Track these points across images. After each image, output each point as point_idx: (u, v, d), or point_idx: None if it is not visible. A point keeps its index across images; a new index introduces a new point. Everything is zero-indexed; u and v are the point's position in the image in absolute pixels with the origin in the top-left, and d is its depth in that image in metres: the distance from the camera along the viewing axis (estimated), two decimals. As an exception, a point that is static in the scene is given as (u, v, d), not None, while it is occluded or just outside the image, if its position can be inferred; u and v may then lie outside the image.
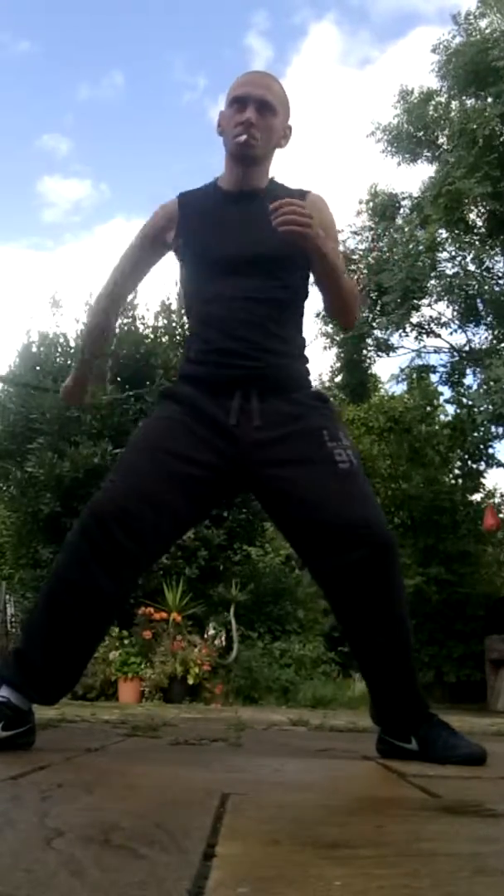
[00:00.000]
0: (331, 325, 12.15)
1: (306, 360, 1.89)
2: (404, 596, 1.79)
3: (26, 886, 0.60)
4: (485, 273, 10.72)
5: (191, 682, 6.54)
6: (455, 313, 11.85)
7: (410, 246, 10.50)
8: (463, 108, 10.65)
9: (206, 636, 7.59)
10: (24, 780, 1.24)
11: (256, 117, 1.81)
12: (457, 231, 10.76)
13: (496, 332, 10.83)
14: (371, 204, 12.12)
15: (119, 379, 7.93)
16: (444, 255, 10.96)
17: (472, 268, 10.68)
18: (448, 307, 11.84)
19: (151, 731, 2.45)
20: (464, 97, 11.04)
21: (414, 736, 1.74)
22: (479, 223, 11.35)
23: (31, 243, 36.87)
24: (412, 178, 18.48)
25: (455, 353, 12.63)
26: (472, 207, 10.56)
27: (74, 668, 1.76)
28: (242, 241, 1.81)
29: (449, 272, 11.07)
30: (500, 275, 11.28)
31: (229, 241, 1.82)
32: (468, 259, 10.64)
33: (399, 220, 11.90)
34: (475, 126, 9.89)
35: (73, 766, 1.49)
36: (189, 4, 29.78)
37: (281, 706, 7.33)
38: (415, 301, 11.03)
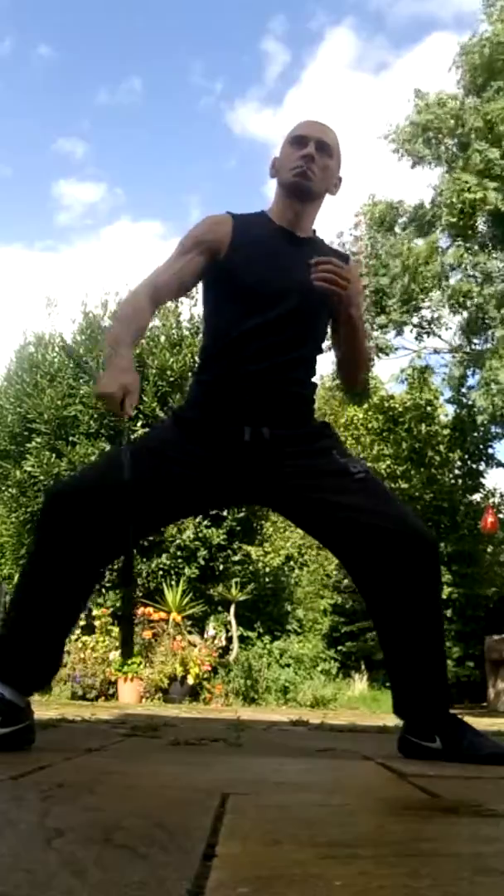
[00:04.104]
0: (329, 326, 12.18)
1: (314, 403, 1.96)
2: (441, 593, 1.87)
3: (26, 886, 0.60)
4: (491, 276, 10.69)
5: (191, 682, 6.54)
6: (461, 319, 11.83)
7: (413, 256, 10.50)
8: (483, 105, 10.57)
9: (205, 636, 7.58)
10: (24, 780, 1.24)
11: (316, 155, 1.86)
12: (464, 237, 10.73)
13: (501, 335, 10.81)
14: (370, 214, 12.13)
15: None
16: (449, 259, 10.96)
17: (476, 273, 10.67)
18: (450, 313, 11.84)
19: (151, 731, 2.45)
20: (483, 94, 10.93)
21: (438, 735, 1.75)
22: (484, 228, 11.35)
23: (45, 245, 37.10)
24: (417, 185, 18.52)
25: (455, 354, 12.63)
26: (483, 213, 10.51)
27: (54, 651, 1.75)
28: (296, 283, 1.82)
29: (454, 278, 11.09)
30: None
31: (284, 280, 1.83)
32: (476, 264, 10.62)
33: (397, 229, 11.91)
34: (493, 124, 9.86)
35: (73, 766, 1.49)
36: (207, 10, 29.94)
37: (281, 706, 7.33)
38: (416, 304, 11.05)
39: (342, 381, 2.11)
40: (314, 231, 1.98)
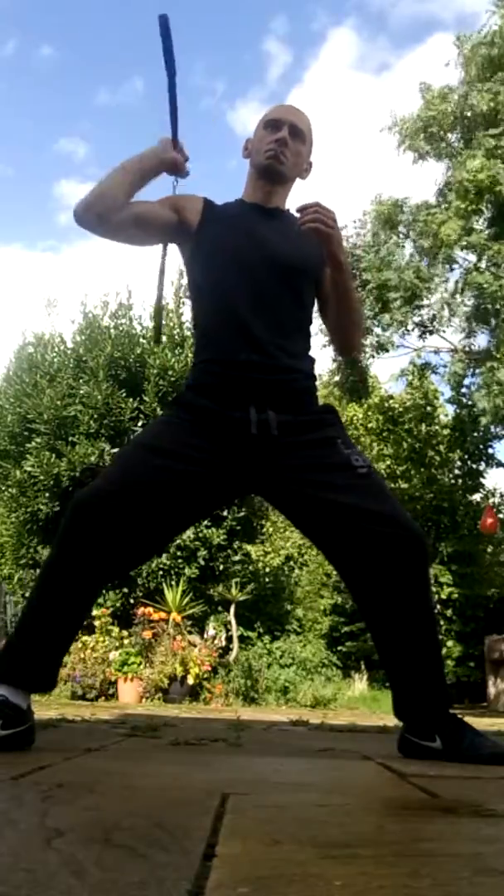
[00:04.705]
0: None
1: (315, 379, 1.93)
2: (431, 590, 1.86)
3: (26, 886, 0.60)
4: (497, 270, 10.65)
5: (191, 682, 6.54)
6: (467, 315, 11.80)
7: (424, 245, 10.46)
8: (495, 86, 10.50)
9: (205, 636, 7.58)
10: (24, 780, 1.24)
11: (289, 140, 1.88)
12: (472, 225, 10.67)
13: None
14: (375, 212, 12.14)
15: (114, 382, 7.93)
16: (460, 255, 10.94)
17: (483, 265, 10.64)
18: (451, 313, 11.83)
19: (151, 731, 2.45)
20: (491, 84, 10.86)
21: (438, 735, 1.75)
22: (484, 225, 11.32)
23: (47, 246, 37.21)
24: (420, 183, 18.58)
25: (455, 353, 12.63)
26: (490, 199, 10.44)
27: (60, 650, 1.76)
28: (272, 250, 1.84)
29: (457, 274, 11.09)
30: None
31: (259, 247, 1.84)
32: (484, 257, 10.57)
33: (402, 228, 11.92)
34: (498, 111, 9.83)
35: (73, 766, 1.49)
36: (209, 11, 30.02)
37: (281, 706, 7.33)
38: (420, 301, 11.04)
39: (340, 346, 2.08)
40: (287, 210, 1.99)
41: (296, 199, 2.01)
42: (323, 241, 1.79)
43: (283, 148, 1.87)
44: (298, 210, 1.77)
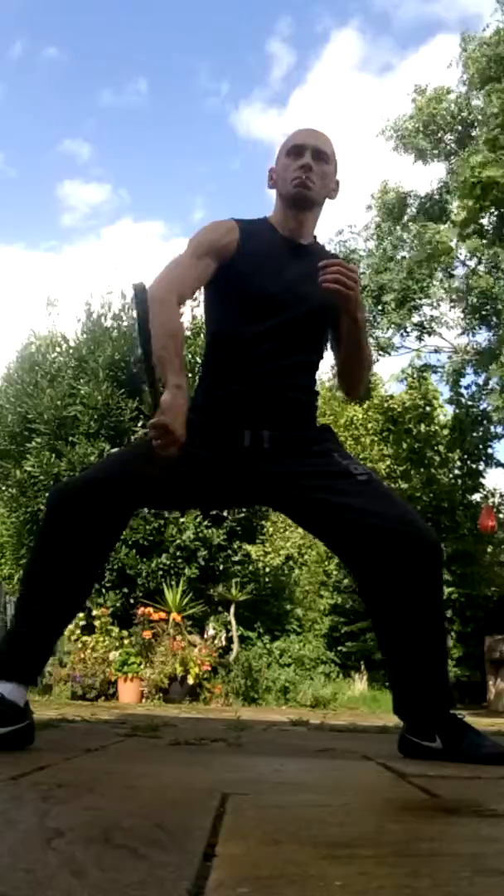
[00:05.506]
0: (331, 334, 12.24)
1: (316, 409, 1.97)
2: (442, 593, 1.89)
3: (26, 886, 0.60)
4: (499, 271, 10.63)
5: (191, 682, 6.54)
6: (465, 315, 11.79)
7: (427, 242, 10.45)
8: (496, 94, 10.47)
9: (205, 636, 7.58)
10: (24, 780, 1.24)
11: (313, 164, 1.88)
12: (472, 229, 10.64)
13: None
14: (381, 201, 12.13)
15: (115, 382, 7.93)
16: (461, 255, 10.94)
17: (482, 268, 10.64)
18: (453, 308, 11.83)
19: (151, 731, 2.45)
20: (492, 85, 10.80)
21: (439, 735, 1.75)
22: (490, 227, 11.31)
23: (50, 246, 37.25)
24: (423, 182, 18.62)
25: (455, 353, 12.63)
26: (492, 197, 10.39)
27: (49, 642, 1.77)
28: (298, 296, 1.85)
29: (461, 273, 11.09)
30: None
31: (289, 290, 1.85)
32: (484, 259, 10.56)
33: (406, 220, 11.93)
34: None
35: (73, 766, 1.49)
36: (213, 12, 30.04)
37: (281, 706, 7.33)
38: (415, 302, 11.04)
39: (345, 389, 2.13)
40: (315, 237, 2.00)
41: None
42: (342, 302, 1.79)
43: (308, 173, 1.86)
44: (320, 267, 1.76)
